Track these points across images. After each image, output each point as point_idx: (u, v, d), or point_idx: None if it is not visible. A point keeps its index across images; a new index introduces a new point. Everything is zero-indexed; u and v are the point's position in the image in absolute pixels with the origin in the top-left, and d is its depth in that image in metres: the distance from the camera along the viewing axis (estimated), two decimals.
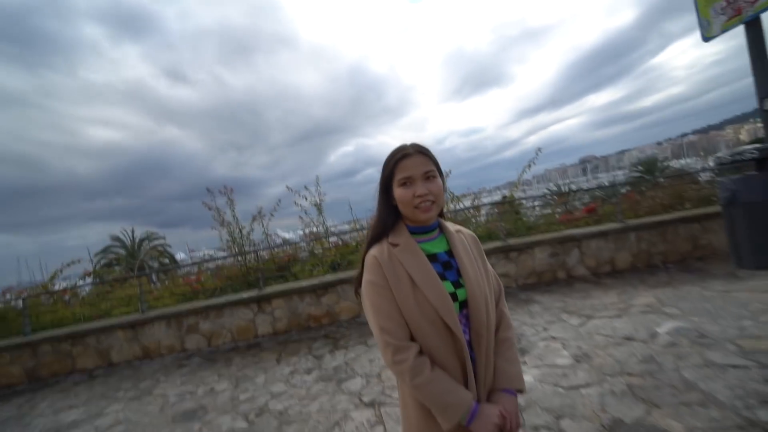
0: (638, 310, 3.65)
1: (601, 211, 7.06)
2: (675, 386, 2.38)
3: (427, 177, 1.10)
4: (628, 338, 3.10)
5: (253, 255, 6.36)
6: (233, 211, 8.20)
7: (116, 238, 14.98)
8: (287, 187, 8.92)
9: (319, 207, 8.59)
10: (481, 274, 1.15)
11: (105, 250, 14.30)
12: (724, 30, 2.82)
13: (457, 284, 1.09)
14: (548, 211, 9.18)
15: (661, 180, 8.28)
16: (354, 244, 7.62)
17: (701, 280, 4.25)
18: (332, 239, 8.37)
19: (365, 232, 8.19)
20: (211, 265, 8.27)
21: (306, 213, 8.63)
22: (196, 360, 4.75)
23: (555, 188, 13.59)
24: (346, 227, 9.41)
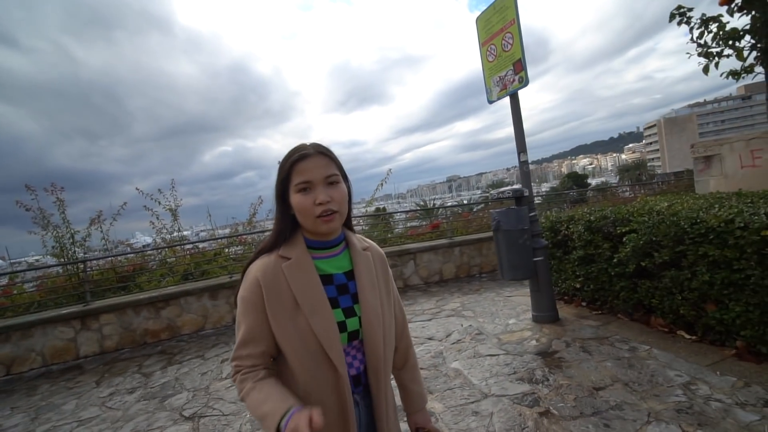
0: (446, 314, 4.44)
1: (443, 227, 8.19)
2: (448, 375, 3.01)
3: (330, 182, 0.94)
4: (430, 338, 3.76)
5: (84, 264, 5.57)
6: (63, 212, 7.09)
7: None
8: (137, 189, 8.12)
9: (174, 212, 8.01)
10: (384, 301, 1.03)
11: None
12: (498, 98, 3.71)
13: (350, 312, 0.96)
14: (415, 223, 10.29)
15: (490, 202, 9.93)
16: (212, 252, 7.31)
17: (499, 287, 5.33)
18: (188, 247, 7.88)
19: (225, 240, 7.86)
20: (32, 274, 6.94)
21: (158, 218, 7.97)
22: None
23: (422, 203, 15.13)
24: (206, 234, 8.93)
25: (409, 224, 10.13)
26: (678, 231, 2.81)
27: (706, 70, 2.91)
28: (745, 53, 2.78)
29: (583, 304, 4.00)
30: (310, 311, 0.91)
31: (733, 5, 2.72)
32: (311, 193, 0.92)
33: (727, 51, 2.80)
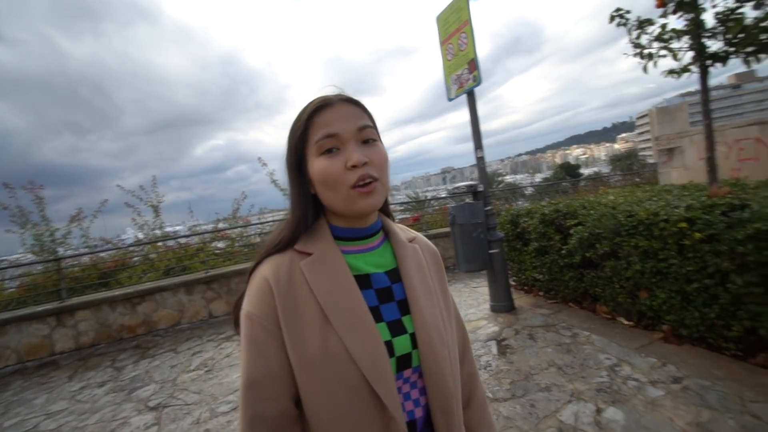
0: None
1: (423, 220, 8.35)
2: None
3: (365, 138, 0.67)
4: None
5: (58, 261, 5.64)
6: (42, 210, 7.17)
7: None
8: (118, 185, 8.23)
9: (155, 209, 8.12)
10: (443, 313, 0.74)
11: None
12: (457, 95, 3.81)
13: (398, 327, 0.67)
14: (407, 215, 10.58)
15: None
16: (194, 248, 7.41)
17: (469, 279, 5.49)
18: (170, 243, 8.01)
19: (207, 236, 7.98)
20: (11, 272, 7.01)
21: (139, 214, 8.11)
22: None
23: (414, 195, 15.30)
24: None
25: (398, 217, 10.41)
26: (616, 223, 2.96)
27: (645, 69, 3.04)
28: (681, 54, 2.91)
29: (540, 293, 4.17)
30: (346, 327, 0.62)
31: (667, 8, 2.84)
32: (340, 154, 0.65)
33: (663, 52, 2.93)
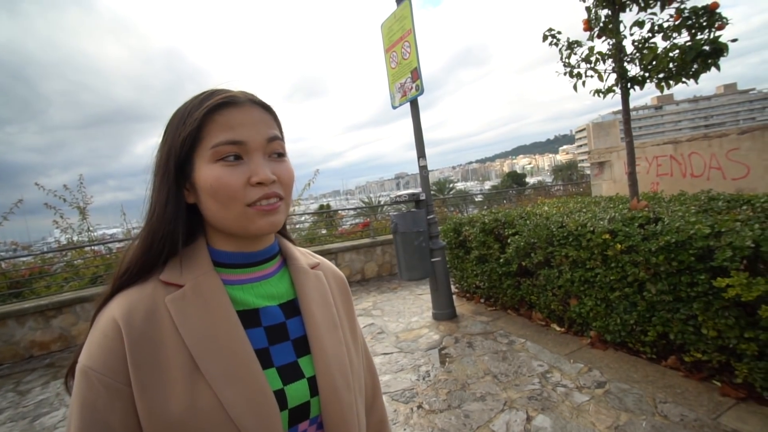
0: (356, 314, 4.51)
1: (372, 226, 8.32)
2: None
3: (273, 151, 0.57)
4: None
5: None
6: None
7: None
8: (36, 184, 7.48)
9: (82, 211, 7.47)
10: (350, 351, 0.65)
11: None
12: (400, 103, 3.82)
13: (292, 372, 0.57)
14: (359, 220, 10.54)
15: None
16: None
17: (415, 286, 5.51)
18: (98, 248, 7.38)
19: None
20: None
21: (62, 216, 7.41)
22: None
23: (368, 200, 15.26)
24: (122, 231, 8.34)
25: (350, 222, 10.40)
26: (548, 234, 3.09)
27: (575, 87, 3.22)
28: (605, 75, 3.12)
29: (482, 301, 4.27)
30: (222, 378, 0.50)
31: (592, 32, 3.03)
32: (242, 165, 0.54)
33: (590, 72, 3.12)
